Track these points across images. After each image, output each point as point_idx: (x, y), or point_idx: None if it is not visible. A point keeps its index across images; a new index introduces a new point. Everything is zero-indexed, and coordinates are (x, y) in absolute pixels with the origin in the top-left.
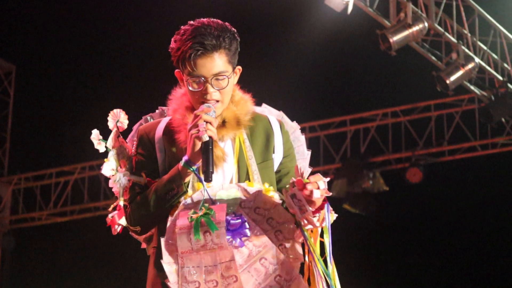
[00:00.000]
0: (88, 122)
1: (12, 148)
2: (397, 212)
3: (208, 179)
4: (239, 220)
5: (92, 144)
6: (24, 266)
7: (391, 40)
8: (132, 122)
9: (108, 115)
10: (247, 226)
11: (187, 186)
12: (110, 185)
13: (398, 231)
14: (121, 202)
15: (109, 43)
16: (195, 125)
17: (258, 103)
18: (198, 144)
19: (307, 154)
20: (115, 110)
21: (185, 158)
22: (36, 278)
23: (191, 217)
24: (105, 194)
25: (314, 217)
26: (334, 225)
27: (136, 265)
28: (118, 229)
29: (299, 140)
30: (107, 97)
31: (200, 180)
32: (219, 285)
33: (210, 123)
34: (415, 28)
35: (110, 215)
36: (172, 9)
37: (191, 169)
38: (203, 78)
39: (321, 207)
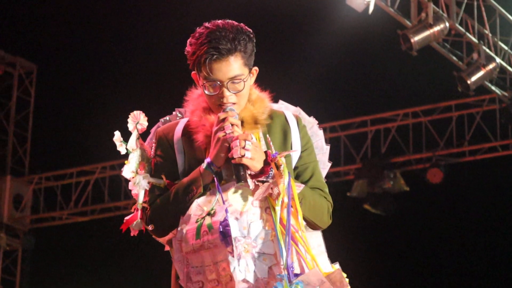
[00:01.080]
0: (109, 122)
1: (33, 147)
2: (417, 212)
3: (240, 180)
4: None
5: (113, 144)
6: (44, 265)
7: (412, 40)
8: (151, 123)
9: (128, 116)
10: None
11: (207, 188)
12: (130, 188)
13: (419, 232)
14: (139, 206)
15: (130, 43)
16: (221, 128)
17: (275, 101)
18: (223, 147)
19: (326, 148)
20: (135, 112)
21: (207, 160)
22: (56, 278)
23: (197, 219)
24: (126, 194)
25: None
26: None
27: (157, 266)
28: (134, 231)
29: (318, 135)
30: (127, 97)
31: (218, 185)
32: (220, 284)
33: (236, 125)
34: (436, 28)
35: (127, 217)
36: (193, 8)
37: (212, 170)
38: (218, 82)
39: (265, 173)
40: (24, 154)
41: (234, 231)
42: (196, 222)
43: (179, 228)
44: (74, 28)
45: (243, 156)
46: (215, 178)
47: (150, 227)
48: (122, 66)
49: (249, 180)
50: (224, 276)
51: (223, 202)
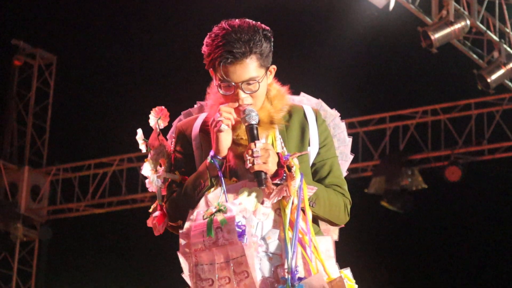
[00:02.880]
0: (127, 114)
1: (51, 139)
2: (435, 210)
3: (262, 185)
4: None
5: (131, 136)
6: (61, 257)
7: (432, 38)
8: (173, 116)
9: (147, 109)
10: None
11: (214, 181)
12: (147, 186)
13: (436, 230)
14: (160, 202)
15: (151, 35)
16: (218, 118)
17: (297, 93)
18: (220, 137)
19: (348, 141)
20: (157, 108)
21: (211, 153)
22: (72, 269)
23: (205, 215)
24: (143, 187)
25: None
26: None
27: (175, 258)
28: (161, 230)
29: (340, 127)
30: (148, 89)
31: (221, 179)
32: (231, 282)
33: (228, 113)
34: (457, 26)
35: (154, 215)
36: (215, 3)
37: (215, 162)
38: (233, 84)
39: (279, 175)
40: (42, 146)
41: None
42: (204, 218)
43: (186, 224)
44: (94, 19)
45: (253, 164)
46: (219, 172)
47: (178, 223)
48: (143, 58)
49: (270, 184)
50: (239, 274)
51: (226, 199)
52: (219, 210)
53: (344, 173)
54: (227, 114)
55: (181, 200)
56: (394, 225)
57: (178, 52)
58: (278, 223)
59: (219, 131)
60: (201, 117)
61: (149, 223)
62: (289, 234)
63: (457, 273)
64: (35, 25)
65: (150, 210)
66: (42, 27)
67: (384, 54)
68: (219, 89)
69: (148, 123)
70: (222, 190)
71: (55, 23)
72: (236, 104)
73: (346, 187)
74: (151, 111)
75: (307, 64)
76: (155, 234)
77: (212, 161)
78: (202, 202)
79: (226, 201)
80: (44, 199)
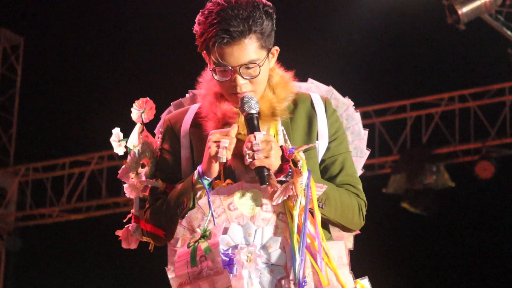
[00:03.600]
0: (107, 105)
1: (19, 133)
2: (464, 212)
3: (265, 182)
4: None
5: (111, 130)
6: (31, 270)
7: (459, 12)
8: (161, 109)
9: (131, 99)
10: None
11: (194, 203)
12: (125, 191)
13: (465, 234)
14: (136, 213)
15: (132, 13)
16: (218, 140)
17: (305, 79)
18: (213, 163)
19: (364, 134)
20: (141, 100)
21: (199, 169)
22: (45, 283)
23: (190, 242)
24: None
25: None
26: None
27: (158, 269)
28: (134, 244)
29: (354, 119)
30: (130, 75)
31: (209, 202)
32: None
33: (229, 143)
34: None
35: (129, 226)
36: None
37: (203, 183)
38: (230, 68)
39: (283, 171)
40: (8, 141)
41: (237, 238)
42: (188, 247)
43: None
44: None
45: (253, 159)
46: (207, 192)
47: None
48: (125, 39)
49: (274, 181)
50: None
51: (214, 222)
52: (202, 236)
53: (359, 171)
54: (227, 144)
55: (162, 216)
56: (417, 229)
57: (167, 33)
58: (281, 229)
59: (216, 158)
60: (193, 109)
61: (122, 234)
62: (296, 240)
63: (488, 280)
64: None
65: (125, 220)
66: (6, 4)
67: (404, 32)
68: (214, 75)
69: (130, 117)
70: (210, 213)
71: None
72: (235, 130)
73: (360, 186)
74: (134, 104)
75: (314, 45)
76: (124, 247)
77: (200, 180)
78: (184, 223)
79: (214, 224)
80: (12, 204)
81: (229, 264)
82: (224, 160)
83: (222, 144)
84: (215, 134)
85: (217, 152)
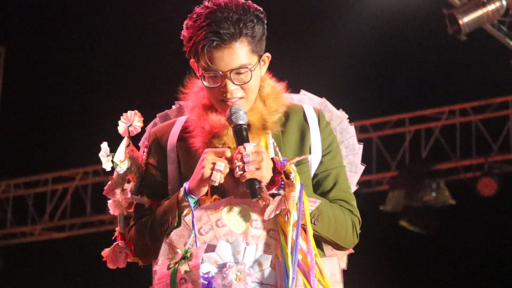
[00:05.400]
0: (92, 119)
1: None
2: (465, 230)
3: (256, 196)
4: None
5: (97, 145)
6: None
7: (460, 22)
8: (147, 121)
9: (117, 112)
10: None
11: (179, 221)
12: (109, 208)
13: (467, 254)
14: (121, 230)
15: (117, 24)
16: (213, 161)
17: (297, 91)
18: (204, 183)
19: (359, 148)
20: (128, 112)
21: (186, 186)
22: None
23: (170, 264)
24: None
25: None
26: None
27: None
28: (123, 263)
29: (348, 132)
30: (115, 88)
31: (193, 222)
32: None
33: (224, 167)
34: (490, 7)
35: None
36: None
37: (189, 201)
38: (220, 73)
39: (275, 183)
40: None
41: (225, 256)
42: (168, 268)
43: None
44: (52, 3)
45: (244, 171)
46: (192, 211)
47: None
48: (111, 50)
49: (266, 194)
50: None
51: (197, 243)
52: (183, 257)
53: (353, 187)
54: (222, 168)
55: (147, 234)
56: (416, 248)
57: (155, 42)
58: (272, 246)
59: (208, 181)
60: (180, 121)
61: (106, 254)
62: (289, 257)
63: None
64: None
65: (113, 237)
66: None
67: (403, 43)
68: (203, 81)
69: (117, 131)
70: (193, 234)
71: (3, 7)
72: (229, 153)
73: (354, 202)
74: (121, 117)
75: (308, 56)
76: (110, 267)
77: (186, 198)
78: (167, 242)
79: (196, 245)
80: None
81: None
82: (217, 184)
83: (217, 167)
84: (209, 154)
85: (211, 175)
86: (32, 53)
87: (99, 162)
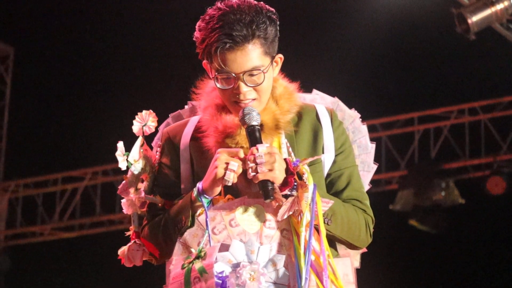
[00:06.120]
0: (102, 119)
1: (9, 147)
2: (474, 229)
3: (269, 197)
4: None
5: (106, 144)
6: None
7: (469, 21)
8: (160, 121)
9: (127, 111)
10: None
11: (193, 221)
12: (122, 207)
13: (476, 253)
14: (135, 229)
15: (127, 23)
16: (226, 161)
17: (309, 91)
18: (217, 183)
19: (371, 147)
20: (143, 112)
21: (199, 185)
22: None
23: (184, 263)
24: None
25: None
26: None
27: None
28: (139, 261)
29: (360, 131)
30: (126, 87)
31: (207, 222)
32: None
33: (237, 167)
34: (499, 6)
35: (128, 245)
36: None
37: (203, 201)
38: (233, 75)
39: (288, 184)
40: None
41: (239, 255)
42: (183, 268)
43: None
44: (61, 3)
45: (256, 172)
46: (205, 211)
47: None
48: (117, 50)
49: (279, 195)
50: None
51: (210, 243)
52: (197, 257)
53: (366, 186)
54: (235, 168)
55: (160, 234)
56: (425, 247)
57: (163, 42)
58: (285, 246)
59: (222, 180)
60: (193, 121)
61: (122, 252)
62: (302, 258)
63: None
64: None
65: (128, 233)
66: None
67: (411, 42)
68: (216, 83)
69: (127, 130)
70: (206, 233)
71: (12, 7)
72: (242, 154)
73: (367, 202)
74: (136, 116)
75: (318, 56)
76: (127, 265)
77: (199, 198)
78: (181, 242)
79: (210, 245)
80: (1, 221)
81: (222, 287)
82: (230, 184)
83: (230, 167)
84: (223, 154)
85: (224, 174)
86: (41, 53)
87: (108, 162)
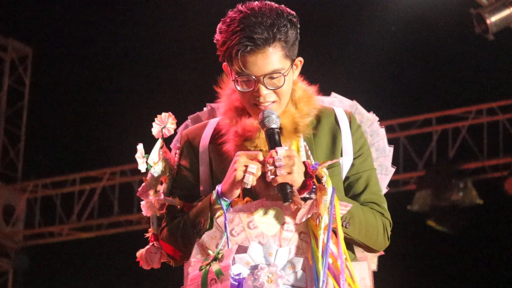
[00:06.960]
0: (120, 119)
1: (27, 148)
2: (493, 230)
3: (288, 200)
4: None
5: (124, 145)
6: None
7: (488, 22)
8: (179, 123)
9: (145, 112)
10: None
11: (212, 223)
12: (142, 209)
13: (494, 254)
14: (154, 231)
15: (145, 24)
16: (246, 163)
17: (328, 93)
18: (236, 185)
19: (389, 150)
20: (163, 114)
21: (218, 188)
22: None
23: (202, 265)
24: (140, 206)
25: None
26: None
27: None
28: (157, 264)
29: (378, 135)
30: (144, 88)
31: (226, 224)
32: None
33: (256, 169)
34: None
35: (146, 247)
36: None
37: (222, 204)
38: (254, 77)
39: (307, 187)
40: (16, 156)
41: (257, 257)
42: (200, 269)
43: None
44: (78, 3)
45: (275, 175)
46: (224, 214)
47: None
48: (136, 51)
49: (298, 198)
50: None
51: (229, 245)
52: (214, 259)
53: (384, 189)
54: (255, 170)
55: (179, 236)
56: (443, 248)
57: (181, 44)
58: (303, 249)
59: (241, 183)
60: (212, 124)
61: (140, 255)
62: (319, 261)
63: None
64: (7, 11)
65: (146, 236)
66: (15, 14)
67: (430, 42)
68: (236, 85)
69: (146, 131)
70: (225, 236)
71: (31, 8)
72: (261, 156)
73: (385, 205)
74: (156, 118)
75: (335, 58)
76: (144, 268)
77: (218, 201)
78: (199, 244)
79: (228, 246)
80: (20, 221)
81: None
82: (249, 186)
83: (249, 170)
84: (242, 157)
85: (243, 177)
86: (59, 53)
87: (126, 162)
